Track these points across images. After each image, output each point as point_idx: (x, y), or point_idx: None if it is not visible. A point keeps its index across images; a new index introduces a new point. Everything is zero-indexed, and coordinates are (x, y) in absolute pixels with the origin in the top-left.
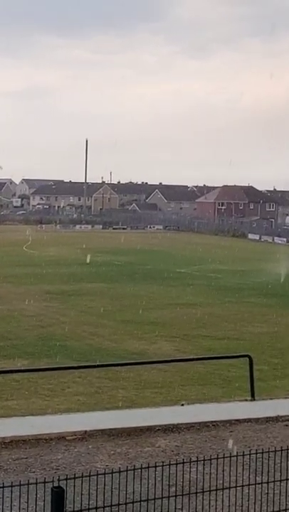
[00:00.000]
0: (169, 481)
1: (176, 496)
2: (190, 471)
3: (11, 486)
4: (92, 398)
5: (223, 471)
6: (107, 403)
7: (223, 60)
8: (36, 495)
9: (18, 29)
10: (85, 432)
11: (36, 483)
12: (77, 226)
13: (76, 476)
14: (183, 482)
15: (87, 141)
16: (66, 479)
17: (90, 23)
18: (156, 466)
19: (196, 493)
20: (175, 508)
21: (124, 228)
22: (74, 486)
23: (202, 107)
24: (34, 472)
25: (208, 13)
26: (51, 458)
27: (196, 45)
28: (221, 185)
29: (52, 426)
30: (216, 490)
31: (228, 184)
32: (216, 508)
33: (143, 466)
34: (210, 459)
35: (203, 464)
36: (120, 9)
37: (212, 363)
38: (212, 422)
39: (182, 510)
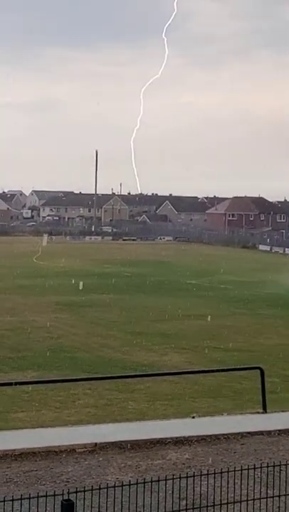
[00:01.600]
0: (179, 495)
1: (186, 509)
2: (201, 485)
3: (21, 499)
4: (103, 410)
5: (234, 484)
6: (117, 415)
7: (233, 72)
8: (46, 508)
9: (30, 42)
10: (96, 444)
11: (46, 496)
12: (87, 237)
13: (86, 489)
14: (194, 495)
15: (97, 153)
16: (76, 492)
17: (102, 36)
18: (166, 480)
19: (207, 506)
20: None
21: (134, 239)
22: (84, 498)
23: (212, 118)
24: (44, 485)
25: (219, 26)
26: (61, 470)
27: (206, 57)
28: (231, 197)
29: (62, 438)
30: (228, 503)
31: (239, 195)
32: None
33: (154, 479)
34: (221, 472)
35: (214, 478)
36: (131, 22)
37: (223, 375)
38: (223, 434)
39: None
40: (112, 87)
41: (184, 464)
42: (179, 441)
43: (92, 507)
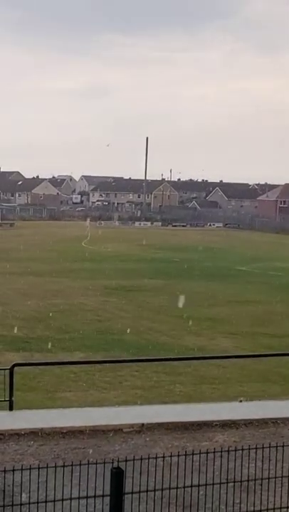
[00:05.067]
0: (227, 476)
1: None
2: (248, 467)
3: (72, 466)
4: (150, 392)
5: (282, 467)
6: (164, 397)
7: None
8: (96, 474)
9: (86, 28)
10: (143, 424)
11: (96, 464)
12: (137, 223)
13: (135, 458)
14: (242, 477)
15: (147, 139)
16: (126, 461)
17: (157, 21)
18: (213, 452)
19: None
20: (233, 503)
21: (183, 225)
22: (133, 468)
23: (266, 104)
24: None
25: (279, 10)
26: (108, 449)
27: (265, 42)
28: (283, 183)
29: (109, 418)
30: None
31: None
32: (274, 504)
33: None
34: (270, 447)
35: (262, 461)
36: (187, 8)
37: (271, 360)
38: (271, 419)
39: (240, 504)
40: (165, 73)
41: (230, 446)
42: (226, 424)
43: (140, 474)
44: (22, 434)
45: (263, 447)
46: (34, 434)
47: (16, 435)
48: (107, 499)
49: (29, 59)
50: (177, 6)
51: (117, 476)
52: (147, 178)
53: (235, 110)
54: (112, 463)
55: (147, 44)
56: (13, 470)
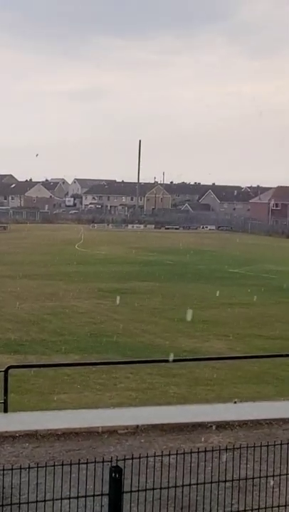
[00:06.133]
0: (225, 477)
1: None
2: (246, 468)
3: (70, 464)
4: (144, 394)
5: (280, 468)
6: (159, 399)
7: (284, 60)
8: (95, 474)
9: (85, 31)
10: (137, 426)
11: (95, 462)
12: (130, 226)
13: (133, 457)
14: (239, 476)
15: (140, 142)
16: (124, 459)
17: (153, 25)
18: (213, 451)
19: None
20: (231, 504)
21: (176, 228)
22: (132, 467)
23: (260, 107)
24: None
25: (277, 12)
26: (103, 450)
27: (262, 44)
28: (275, 186)
29: (104, 419)
30: (272, 477)
31: (283, 185)
32: (272, 503)
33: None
34: (267, 445)
35: (260, 462)
36: (184, 10)
37: (265, 361)
38: (265, 420)
39: (238, 505)
40: (159, 76)
41: (227, 445)
42: (220, 426)
43: (139, 474)
44: (17, 436)
45: (261, 446)
46: (29, 436)
47: (11, 437)
48: (104, 499)
49: (26, 61)
50: (175, 9)
51: (116, 475)
52: (140, 181)
53: (229, 113)
54: (111, 461)
55: (145, 46)
56: (12, 469)
